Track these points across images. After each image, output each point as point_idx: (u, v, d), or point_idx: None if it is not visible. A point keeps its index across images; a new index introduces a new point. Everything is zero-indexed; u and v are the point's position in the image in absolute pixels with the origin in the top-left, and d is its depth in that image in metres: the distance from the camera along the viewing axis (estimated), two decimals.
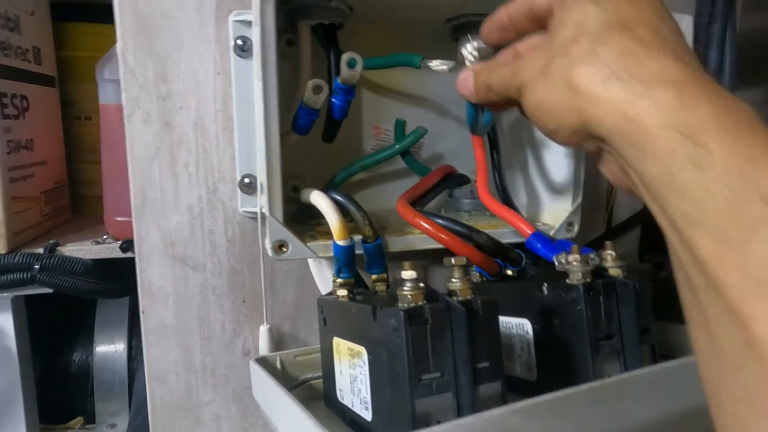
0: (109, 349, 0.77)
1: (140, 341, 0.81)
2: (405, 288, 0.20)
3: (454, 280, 0.21)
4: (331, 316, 0.26)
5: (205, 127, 0.34)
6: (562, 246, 0.26)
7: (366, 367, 0.22)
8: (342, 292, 0.27)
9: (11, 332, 0.64)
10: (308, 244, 0.27)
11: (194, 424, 0.37)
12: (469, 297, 0.20)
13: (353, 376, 0.23)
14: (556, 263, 0.24)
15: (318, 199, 0.27)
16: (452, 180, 0.34)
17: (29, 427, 0.67)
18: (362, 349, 0.22)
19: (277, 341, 0.38)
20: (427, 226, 0.27)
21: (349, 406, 0.24)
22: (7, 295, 0.63)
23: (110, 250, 0.65)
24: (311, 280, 0.38)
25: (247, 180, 0.34)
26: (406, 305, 0.19)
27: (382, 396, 0.21)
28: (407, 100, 0.39)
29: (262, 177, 0.27)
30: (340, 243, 0.26)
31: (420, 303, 0.19)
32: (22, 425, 0.67)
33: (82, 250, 0.65)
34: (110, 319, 0.78)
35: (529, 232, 0.28)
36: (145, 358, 0.36)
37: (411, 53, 0.32)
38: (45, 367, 0.72)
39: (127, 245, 0.65)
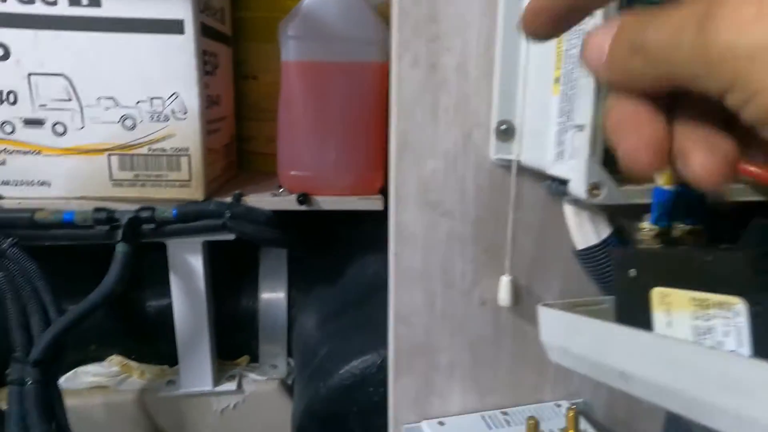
0: (272, 296, 0.82)
1: (298, 291, 0.85)
2: None
3: None
4: (649, 268, 0.25)
5: (467, 70, 0.33)
6: None
7: (743, 320, 0.20)
8: (656, 243, 0.25)
9: (201, 272, 0.70)
10: (623, 188, 0.26)
11: (431, 368, 0.38)
12: None
13: (704, 328, 0.22)
14: None
15: None
16: None
17: (212, 360, 0.74)
18: (733, 300, 0.20)
19: (515, 293, 0.37)
20: (757, 170, 0.24)
21: None
22: (198, 240, 0.68)
23: (287, 202, 0.68)
24: (551, 234, 0.37)
25: (503, 126, 0.33)
26: None
27: None
28: None
29: (585, 114, 0.25)
30: (666, 187, 0.24)
31: None
32: (208, 358, 0.73)
33: (262, 201, 0.68)
34: (272, 269, 0.83)
35: None
36: (391, 299, 0.37)
37: None
38: (216, 309, 0.78)
39: (304, 198, 0.67)
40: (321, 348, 0.67)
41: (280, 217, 0.71)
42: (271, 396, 0.78)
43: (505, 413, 0.39)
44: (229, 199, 0.66)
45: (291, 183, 0.70)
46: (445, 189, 0.35)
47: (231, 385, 0.76)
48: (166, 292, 0.73)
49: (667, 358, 0.19)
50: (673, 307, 0.23)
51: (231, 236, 0.68)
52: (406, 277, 0.36)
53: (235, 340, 0.82)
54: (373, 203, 0.70)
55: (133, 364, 0.79)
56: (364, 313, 0.68)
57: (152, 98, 0.61)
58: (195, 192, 0.64)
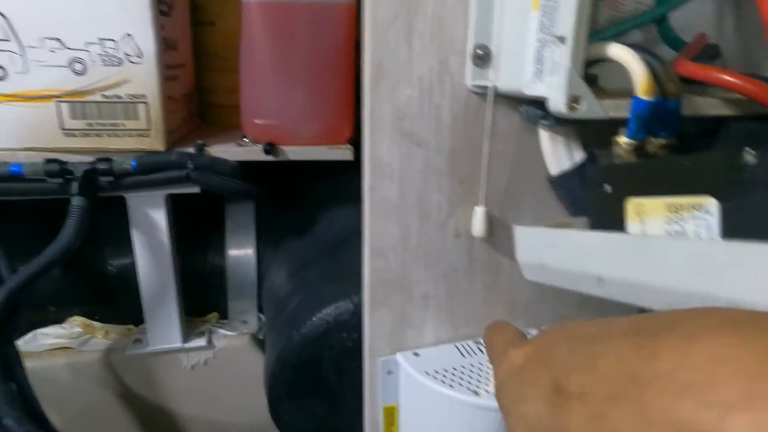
0: (240, 253, 0.80)
1: (267, 245, 0.83)
2: None
3: None
4: (624, 180, 0.25)
5: None
6: None
7: (714, 218, 0.21)
8: (632, 157, 0.25)
9: (165, 227, 0.67)
10: (602, 102, 0.26)
11: (405, 300, 0.38)
12: None
13: (676, 231, 0.22)
14: None
15: (618, 51, 0.25)
16: (706, 52, 0.31)
17: (180, 317, 0.72)
18: (705, 200, 0.21)
19: (489, 224, 0.37)
20: (731, 78, 0.24)
21: None
22: (160, 193, 0.65)
23: (253, 152, 0.66)
24: (525, 163, 0.37)
25: (480, 51, 0.33)
26: None
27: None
28: None
29: (566, 25, 0.25)
30: (645, 98, 0.24)
31: None
32: (175, 313, 0.72)
33: (227, 151, 0.66)
34: (239, 224, 0.81)
35: None
36: (366, 233, 0.36)
37: None
38: (182, 266, 0.76)
39: (270, 148, 0.65)
40: (292, 299, 0.67)
41: (246, 168, 0.69)
42: (242, 351, 0.77)
43: (478, 342, 0.40)
44: (191, 150, 0.63)
45: (256, 132, 0.67)
46: (421, 118, 0.34)
47: (201, 341, 0.75)
48: (127, 250, 0.70)
49: (641, 255, 0.20)
50: (647, 216, 0.24)
51: (195, 189, 0.66)
52: (382, 210, 0.35)
53: (203, 297, 0.81)
54: (342, 153, 0.68)
55: (96, 324, 0.76)
56: (336, 263, 0.67)
57: (103, 39, 0.57)
58: (155, 142, 0.61)
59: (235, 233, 0.81)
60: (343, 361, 0.61)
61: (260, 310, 0.82)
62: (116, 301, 0.77)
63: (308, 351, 0.60)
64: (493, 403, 0.33)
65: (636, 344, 0.13)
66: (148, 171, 0.61)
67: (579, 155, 0.32)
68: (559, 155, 0.33)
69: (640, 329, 0.14)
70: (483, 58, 0.32)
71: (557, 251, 0.25)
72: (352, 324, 0.61)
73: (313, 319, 0.61)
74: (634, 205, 0.24)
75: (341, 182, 0.76)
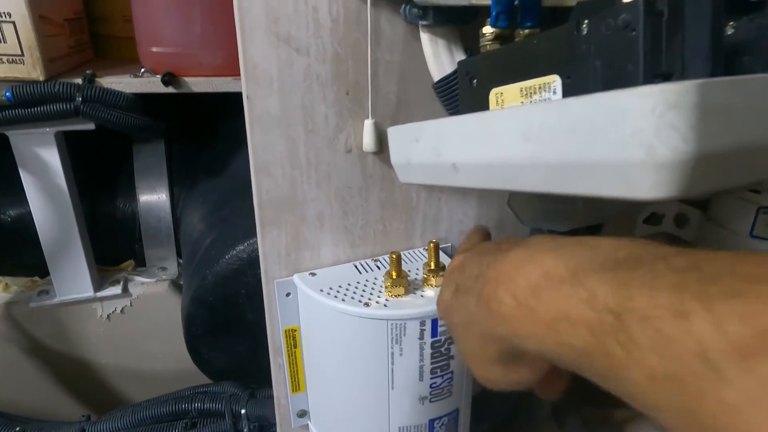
0: (152, 197, 0.76)
1: (182, 188, 0.79)
2: None
3: None
4: (487, 70, 0.25)
5: None
6: None
7: (558, 95, 0.21)
8: (495, 47, 0.25)
9: (59, 168, 0.62)
10: None
11: (299, 220, 0.37)
12: None
13: None
14: None
15: None
16: None
17: (89, 265, 0.69)
18: (551, 78, 0.21)
19: (379, 138, 0.37)
20: None
21: None
22: (50, 131, 0.60)
23: (151, 83, 0.61)
24: (413, 74, 0.36)
25: None
26: None
27: None
28: None
29: None
30: None
31: None
32: (83, 262, 0.68)
33: (121, 83, 0.60)
34: (148, 165, 0.76)
35: None
36: (250, 149, 0.34)
37: None
38: (89, 212, 0.72)
39: (170, 78, 0.61)
40: (206, 238, 0.64)
41: (149, 104, 0.64)
42: (161, 297, 0.75)
43: (376, 260, 0.40)
44: (79, 81, 0.58)
45: (153, 61, 0.62)
46: (297, 20, 0.32)
47: (115, 290, 0.71)
48: (23, 197, 0.65)
49: (483, 133, 0.20)
50: (506, 103, 0.24)
51: (90, 126, 0.61)
52: (263, 124, 0.34)
53: (116, 245, 0.77)
54: None
55: None
56: (249, 201, 0.65)
57: None
58: (32, 70, 0.55)
59: (145, 175, 0.76)
60: (259, 298, 0.61)
61: (180, 255, 0.80)
62: (15, 253, 0.71)
63: (223, 289, 0.59)
64: (381, 312, 0.34)
65: (489, 259, 0.20)
66: (28, 104, 0.55)
67: (461, 58, 0.31)
68: (440, 59, 0.32)
69: (498, 248, 0.21)
70: None
71: (419, 145, 0.25)
72: None
73: (227, 256, 0.59)
74: (495, 95, 0.24)
75: None
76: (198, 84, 0.62)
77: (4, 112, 0.54)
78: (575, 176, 0.16)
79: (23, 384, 0.70)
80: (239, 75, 0.67)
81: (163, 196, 0.77)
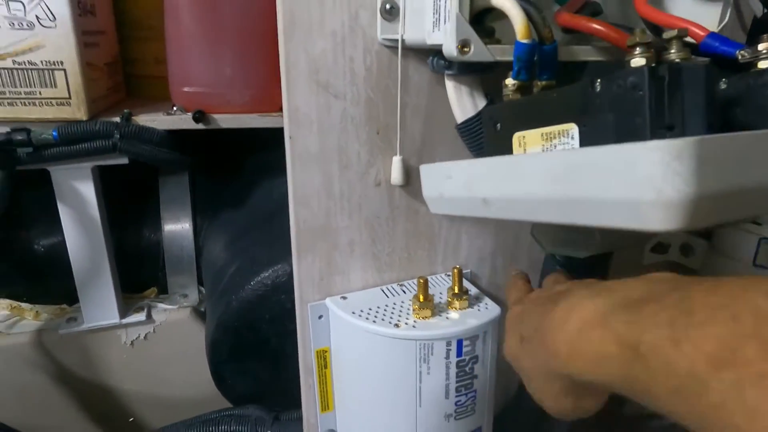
0: (176, 227, 0.80)
1: (204, 218, 0.83)
2: (636, 52, 0.21)
3: (672, 51, 0.22)
4: (510, 117, 0.28)
5: None
6: (738, 45, 0.27)
7: (576, 141, 0.24)
8: (517, 96, 0.28)
9: (94, 201, 0.66)
10: (489, 46, 0.28)
11: (332, 248, 0.40)
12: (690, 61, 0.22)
13: None
14: (740, 57, 0.26)
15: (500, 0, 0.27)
16: (588, 8, 0.35)
17: (116, 293, 0.71)
18: (569, 126, 0.24)
19: (406, 173, 0.40)
20: (596, 26, 0.28)
21: None
22: (88, 165, 0.63)
23: (182, 120, 0.65)
24: (437, 116, 0.40)
25: (388, 5, 0.35)
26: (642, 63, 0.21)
27: None
28: None
29: None
30: (524, 41, 0.27)
31: (653, 64, 0.21)
32: (110, 290, 0.71)
33: (155, 120, 0.65)
34: (173, 197, 0.80)
35: (703, 34, 0.29)
36: (290, 183, 0.38)
37: None
38: (117, 242, 0.75)
39: (200, 115, 0.65)
40: (230, 267, 0.67)
41: (179, 139, 0.68)
42: (183, 324, 0.77)
43: (402, 284, 0.43)
44: (117, 119, 0.62)
45: (185, 100, 0.66)
46: (335, 70, 0.36)
47: (140, 316, 0.74)
48: (57, 228, 0.68)
49: (512, 172, 0.23)
50: (528, 146, 0.27)
51: (123, 160, 0.64)
52: (303, 160, 0.37)
53: (140, 273, 0.80)
54: (274, 121, 0.69)
55: (24, 305, 0.74)
56: (272, 230, 0.68)
57: (9, 0, 0.54)
58: (77, 111, 0.59)
59: (170, 206, 0.80)
60: (283, 323, 0.63)
61: (201, 283, 0.82)
62: (46, 281, 0.74)
63: (247, 315, 0.62)
64: (411, 332, 0.36)
65: (542, 310, 0.24)
66: (71, 141, 0.59)
67: (482, 103, 0.35)
68: (463, 103, 0.35)
69: (549, 299, 0.25)
70: (391, 12, 0.34)
71: (452, 181, 0.28)
72: (290, 286, 0.63)
73: (251, 283, 0.62)
74: (518, 138, 0.28)
75: (278, 153, 0.76)
76: (226, 120, 0.66)
77: (50, 150, 0.58)
78: (595, 211, 0.19)
79: (49, 409, 0.72)
80: (265, 112, 0.71)
81: (187, 225, 0.81)
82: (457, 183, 0.27)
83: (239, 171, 0.82)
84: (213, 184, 0.82)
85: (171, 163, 0.67)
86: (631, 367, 0.18)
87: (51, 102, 0.57)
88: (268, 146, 0.81)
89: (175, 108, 0.66)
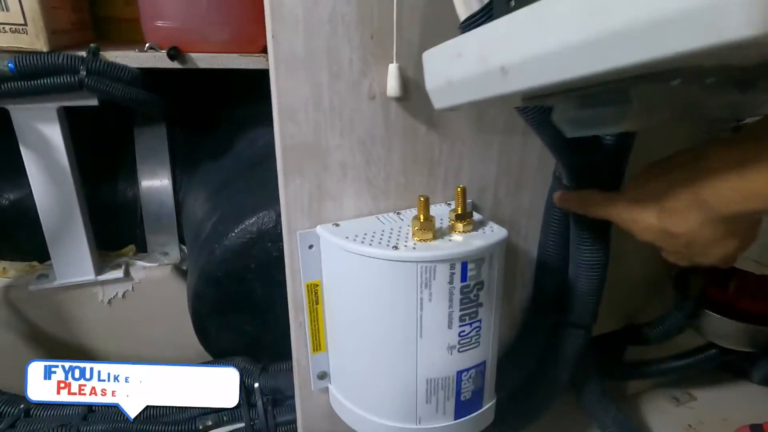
0: (154, 182, 0.74)
1: (183, 172, 0.78)
2: None
3: None
4: None
5: None
6: None
7: None
8: None
9: (61, 146, 0.61)
10: None
11: (322, 168, 0.36)
12: None
13: None
14: None
15: None
16: None
17: (90, 248, 0.66)
18: None
19: (404, 84, 0.36)
20: None
21: None
22: (53, 106, 0.58)
23: (156, 58, 0.60)
24: (437, 19, 0.36)
25: None
26: None
27: None
28: None
29: None
30: None
31: None
32: (84, 245, 0.66)
33: (126, 57, 0.59)
34: (150, 149, 0.75)
35: None
36: (274, 92, 0.33)
37: None
38: (90, 196, 0.70)
39: (175, 53, 0.60)
40: (212, 216, 0.63)
41: (153, 83, 0.63)
42: (164, 282, 0.73)
43: (399, 213, 0.39)
44: (83, 54, 0.56)
45: (158, 36, 0.61)
46: None
47: (117, 273, 0.69)
48: (23, 180, 0.63)
49: (545, 20, 0.19)
50: None
51: (93, 101, 0.59)
52: (288, 65, 0.33)
53: (116, 230, 0.75)
54: (257, 61, 0.64)
55: None
56: (256, 178, 0.64)
57: None
58: (35, 41, 0.53)
59: (147, 159, 0.75)
60: (269, 273, 0.59)
61: (182, 241, 0.78)
62: (13, 237, 0.69)
63: (231, 264, 0.58)
64: (411, 254, 0.33)
65: (687, 173, 0.28)
66: (31, 75, 0.53)
67: None
68: None
69: (685, 165, 0.29)
70: None
71: (462, 59, 0.24)
72: (277, 233, 0.59)
73: (236, 230, 0.58)
74: None
75: (265, 102, 0.72)
76: (204, 60, 0.61)
77: (6, 84, 0.52)
78: (654, 38, 0.15)
79: (22, 369, 0.67)
80: (246, 52, 0.66)
81: (166, 181, 0.76)
82: (469, 58, 0.24)
83: (219, 121, 0.77)
84: (192, 135, 0.77)
85: (146, 104, 0.62)
86: None
87: (4, 28, 0.51)
88: (251, 94, 0.76)
89: (147, 45, 0.61)
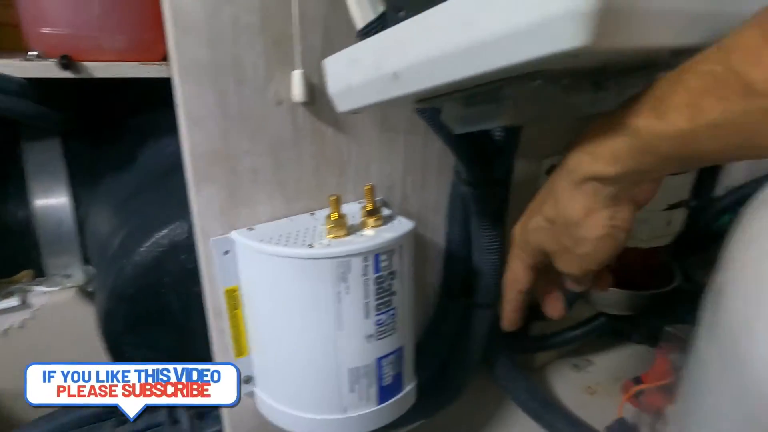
0: (50, 201, 0.69)
1: (83, 187, 0.73)
2: None
3: None
4: None
5: None
6: None
7: None
8: None
9: None
10: None
11: (233, 174, 0.37)
12: None
13: None
14: None
15: None
16: None
17: None
18: None
19: (309, 89, 0.37)
20: None
21: None
22: None
23: (45, 67, 0.56)
24: (337, 27, 0.37)
25: None
26: None
27: None
28: None
29: None
30: None
31: None
32: None
33: (9, 66, 0.55)
34: (42, 165, 0.69)
35: None
36: (180, 100, 0.33)
37: None
38: None
39: (67, 62, 0.56)
40: (119, 232, 0.60)
41: (44, 95, 0.58)
42: (67, 306, 0.67)
43: (312, 213, 0.40)
44: None
45: (45, 44, 0.57)
46: None
47: (11, 302, 0.63)
48: None
49: (427, 30, 0.22)
50: None
51: None
52: (192, 73, 0.33)
53: (8, 255, 0.68)
54: (158, 70, 0.62)
55: None
56: (165, 189, 0.62)
57: None
58: None
59: (39, 176, 0.69)
60: (186, 284, 0.57)
61: (87, 261, 0.72)
62: None
63: (143, 279, 0.55)
64: (326, 251, 0.34)
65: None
66: None
67: (381, 6, 0.33)
68: (362, 6, 0.33)
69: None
70: None
71: (358, 65, 0.26)
72: (190, 244, 0.57)
73: (146, 244, 0.56)
74: None
75: (170, 110, 0.69)
76: (99, 69, 0.58)
77: None
78: (509, 46, 0.18)
79: None
80: (145, 59, 0.64)
81: (63, 198, 0.70)
82: (365, 64, 0.26)
83: (123, 131, 0.73)
84: (93, 147, 0.72)
85: (35, 118, 0.58)
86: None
87: None
88: (155, 102, 0.73)
89: (35, 53, 0.56)
